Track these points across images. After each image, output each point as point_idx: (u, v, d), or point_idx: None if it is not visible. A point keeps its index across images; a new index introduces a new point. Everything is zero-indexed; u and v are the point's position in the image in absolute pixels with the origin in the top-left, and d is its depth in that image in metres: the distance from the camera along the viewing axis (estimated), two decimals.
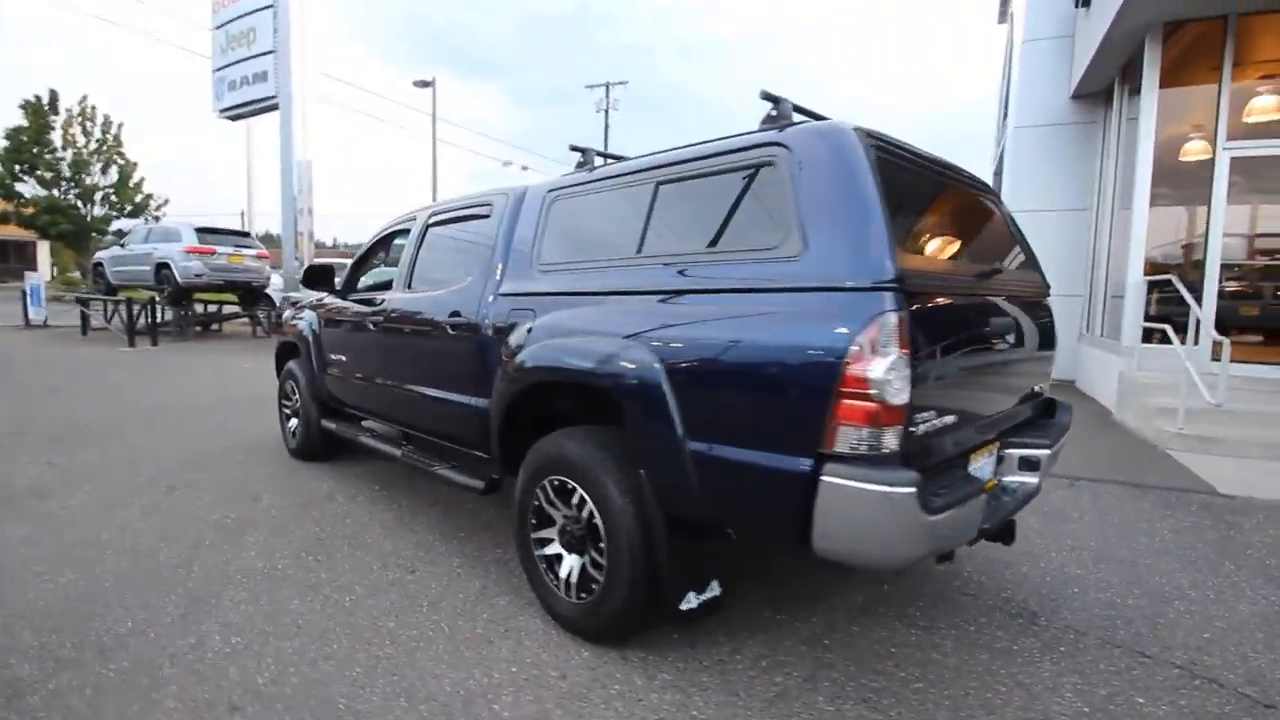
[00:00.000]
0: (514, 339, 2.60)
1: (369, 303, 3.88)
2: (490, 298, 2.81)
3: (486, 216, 3.07)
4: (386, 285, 4.51)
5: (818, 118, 2.12)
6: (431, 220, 3.52)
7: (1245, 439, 4.87)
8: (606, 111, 31.86)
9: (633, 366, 2.02)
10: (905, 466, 1.62)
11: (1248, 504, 3.95)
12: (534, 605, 2.59)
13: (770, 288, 1.81)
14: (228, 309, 15.20)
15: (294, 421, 4.77)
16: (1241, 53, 6.05)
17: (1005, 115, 10.58)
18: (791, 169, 1.86)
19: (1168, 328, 5.72)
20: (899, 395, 1.61)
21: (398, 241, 4.10)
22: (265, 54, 14.59)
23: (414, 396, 3.31)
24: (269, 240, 26.66)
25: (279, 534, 3.34)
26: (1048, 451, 2.34)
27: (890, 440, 1.62)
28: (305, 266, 4.25)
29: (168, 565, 2.96)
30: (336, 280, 4.23)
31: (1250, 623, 2.56)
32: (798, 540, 1.77)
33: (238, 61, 15.17)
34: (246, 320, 14.97)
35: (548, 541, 2.47)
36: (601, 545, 2.20)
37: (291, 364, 4.74)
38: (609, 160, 2.82)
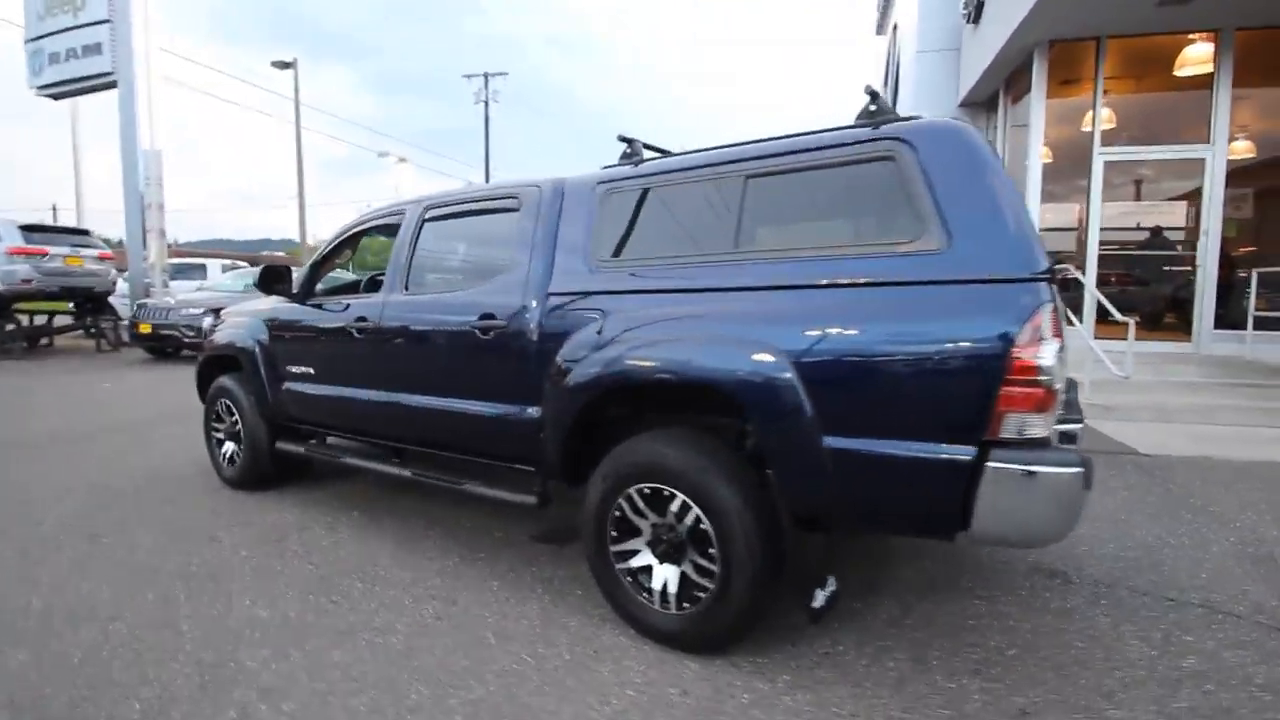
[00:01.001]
0: (579, 341, 2.43)
1: (341, 308, 3.47)
2: (533, 299, 2.60)
3: (513, 210, 2.84)
4: (353, 287, 4.09)
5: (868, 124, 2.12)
6: (429, 215, 3.19)
7: (1140, 405, 5.69)
8: (486, 103, 30.87)
9: (763, 365, 1.95)
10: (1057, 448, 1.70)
11: (1168, 461, 4.61)
12: (609, 622, 2.44)
13: (910, 281, 1.83)
14: (60, 319, 12.94)
15: (230, 446, 4.16)
16: (1111, 69, 7.04)
17: None
18: (921, 164, 1.88)
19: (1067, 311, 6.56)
20: (1059, 380, 1.68)
21: (366, 240, 3.70)
22: (99, 23, 12.55)
23: (425, 409, 3.00)
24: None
25: (266, 577, 2.90)
26: (1080, 425, 2.56)
27: (1048, 424, 1.69)
28: (262, 268, 3.70)
29: (146, 628, 2.46)
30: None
31: (1228, 561, 2.98)
32: (948, 528, 1.81)
33: (62, 31, 12.92)
34: (84, 332, 12.83)
35: (632, 554, 2.34)
36: (712, 551, 2.11)
37: (226, 381, 4.12)
38: (657, 154, 2.71)
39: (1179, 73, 7.67)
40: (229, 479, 4.17)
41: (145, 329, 10.57)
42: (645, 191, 2.48)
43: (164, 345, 10.82)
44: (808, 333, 1.93)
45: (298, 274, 3.75)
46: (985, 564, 2.96)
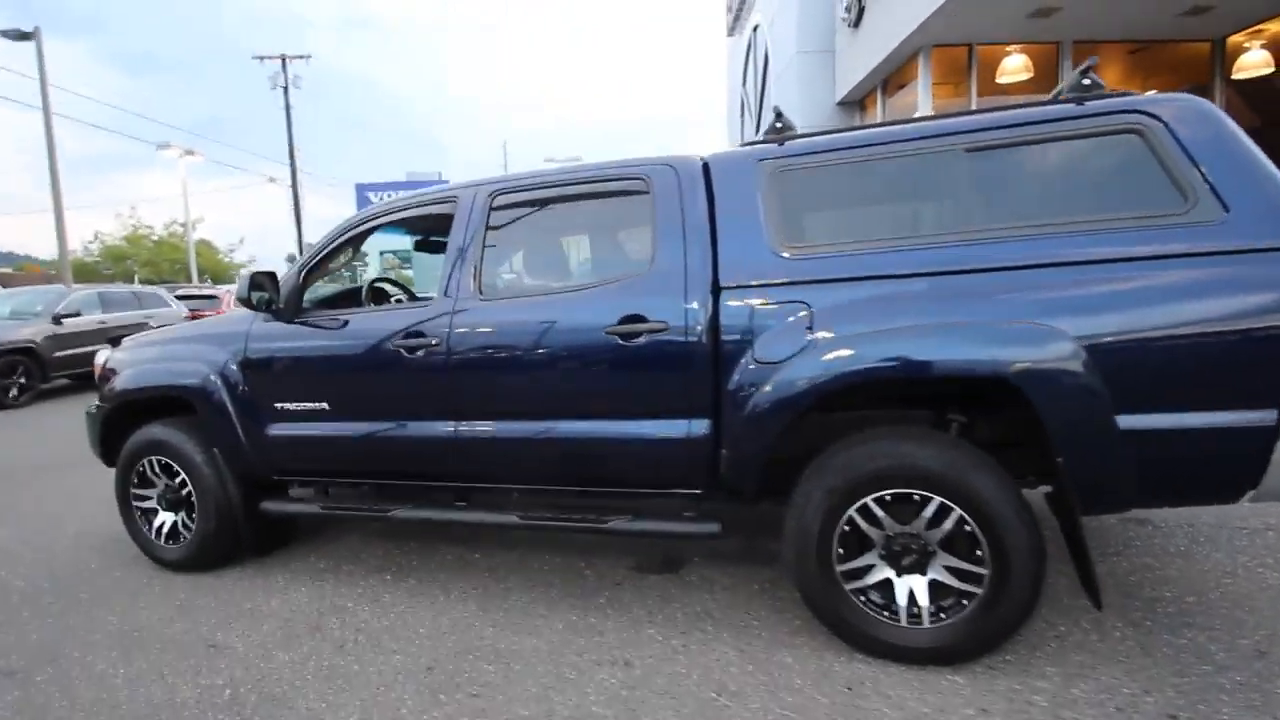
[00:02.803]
0: (777, 339, 2.13)
1: (364, 323, 2.76)
2: (697, 295, 2.23)
3: (640, 193, 2.42)
4: (350, 298, 3.30)
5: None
6: (498, 202, 2.61)
7: None
8: (286, 89, 27.30)
9: (1053, 350, 1.83)
10: None
11: None
12: (829, 649, 2.19)
13: (1194, 253, 1.82)
14: None
15: (166, 518, 3.14)
16: (981, 74, 8.02)
17: (758, 123, 12.13)
18: (1177, 136, 1.88)
19: None
20: None
21: (375, 237, 2.98)
22: None
23: (535, 439, 2.46)
24: None
25: (352, 683, 2.19)
26: None
27: None
28: (249, 274, 2.76)
29: None
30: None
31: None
32: (1239, 490, 1.85)
33: None
34: None
35: (865, 570, 2.11)
36: (980, 553, 1.96)
37: (159, 432, 3.08)
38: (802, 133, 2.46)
39: (1000, 80, 8.97)
40: (172, 560, 3.13)
41: None
42: (832, 168, 2.23)
43: None
44: (1093, 313, 1.85)
45: (284, 284, 2.88)
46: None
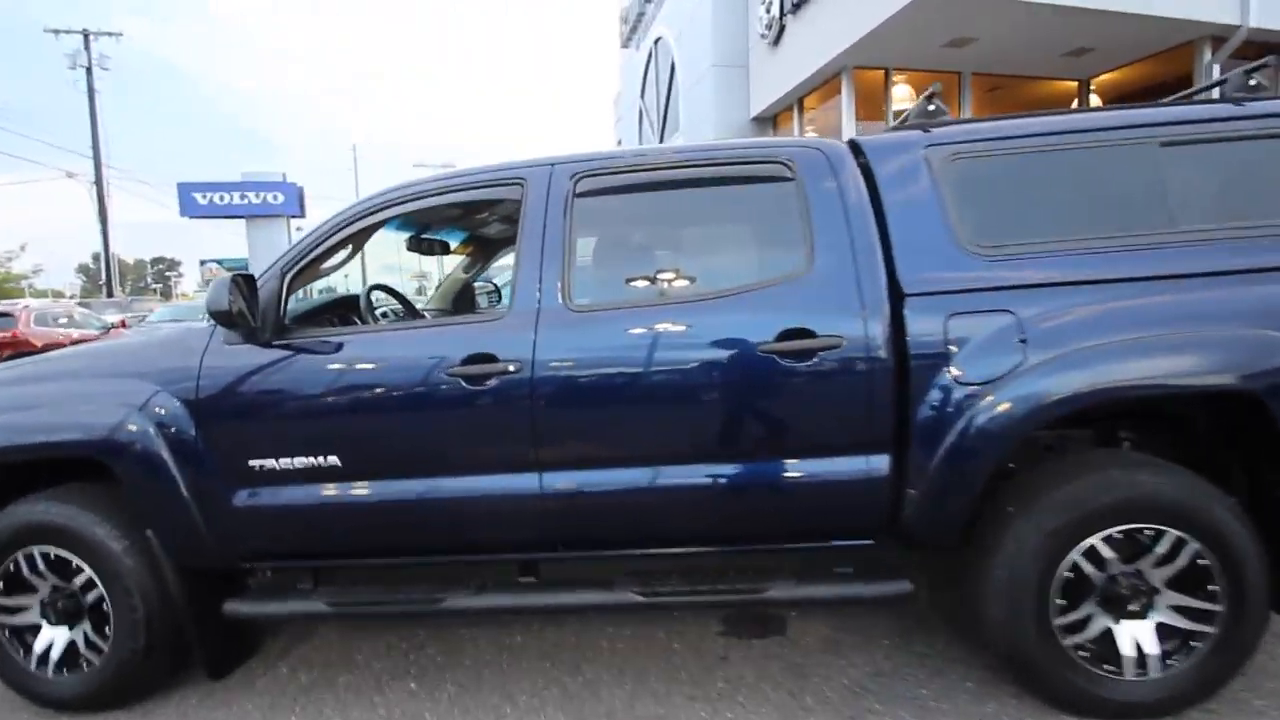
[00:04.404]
0: (982, 354, 1.79)
1: (384, 344, 2.06)
2: (876, 303, 1.84)
3: (781, 179, 1.98)
4: (345, 308, 2.51)
5: None
6: (583, 188, 2.03)
7: None
8: (90, 70, 23.16)
9: None
10: None
11: None
12: (1036, 711, 1.88)
13: None
14: None
15: (56, 638, 2.15)
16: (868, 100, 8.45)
17: (661, 134, 12.04)
18: None
19: None
20: None
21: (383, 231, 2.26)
22: None
23: (650, 489, 1.92)
24: None
25: None
26: None
27: None
28: (228, 278, 1.87)
29: None
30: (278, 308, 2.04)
31: None
32: None
33: None
34: None
35: (1086, 621, 1.83)
36: (1214, 588, 1.76)
37: (43, 510, 2.09)
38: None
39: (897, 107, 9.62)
40: (67, 698, 2.14)
41: None
42: (1015, 157, 1.94)
43: None
44: None
45: (261, 293, 2.05)
46: None
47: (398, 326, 2.32)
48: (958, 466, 1.80)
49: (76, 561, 2.09)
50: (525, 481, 1.96)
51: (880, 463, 1.87)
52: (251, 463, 2.04)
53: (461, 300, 3.50)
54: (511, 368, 1.91)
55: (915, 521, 1.87)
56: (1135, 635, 1.82)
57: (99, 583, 2.09)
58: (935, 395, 1.81)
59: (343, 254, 2.32)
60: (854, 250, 1.88)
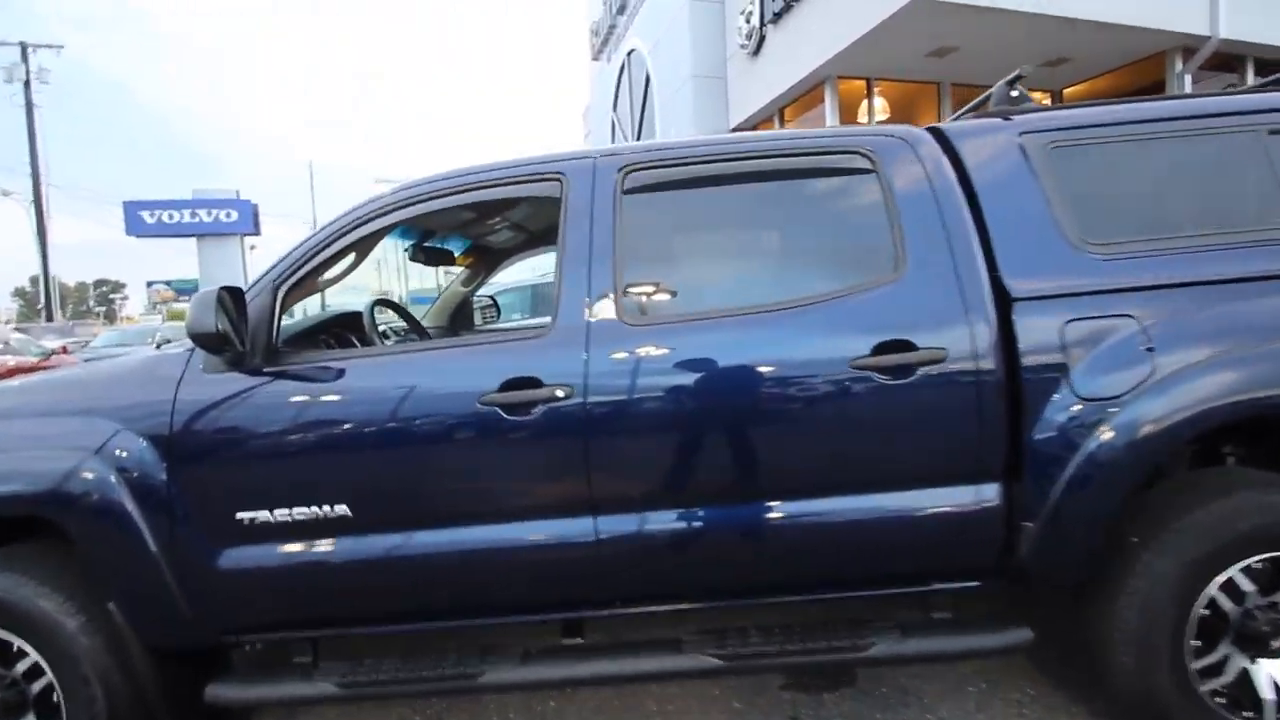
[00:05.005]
0: (1106, 364, 1.57)
1: (408, 367, 1.75)
2: (981, 308, 1.61)
3: (860, 170, 1.74)
4: (341, 326, 2.19)
5: None
6: (634, 181, 1.76)
7: None
8: (28, 84, 22.00)
9: None
10: None
11: None
12: None
13: None
14: None
15: None
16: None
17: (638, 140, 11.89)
18: None
19: None
20: None
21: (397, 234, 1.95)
22: None
23: (724, 531, 1.65)
24: None
25: None
26: None
27: None
28: (212, 294, 1.52)
29: None
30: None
31: None
32: None
33: None
34: None
35: (1223, 663, 1.61)
36: None
37: None
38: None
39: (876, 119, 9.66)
40: None
41: None
42: (1119, 146, 1.74)
43: None
44: None
45: (251, 312, 1.72)
46: None
47: (414, 348, 2.00)
48: (1087, 494, 1.57)
49: (18, 644, 1.70)
50: (577, 527, 1.66)
51: (990, 492, 1.63)
52: (240, 515, 1.69)
53: (460, 317, 3.18)
54: (560, 393, 1.61)
55: (1034, 559, 1.63)
56: (1275, 676, 1.61)
57: (46, 669, 1.70)
58: (1054, 413, 1.59)
59: (345, 263, 1.99)
60: (951, 250, 1.66)
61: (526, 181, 1.83)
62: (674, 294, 1.82)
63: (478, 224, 2.51)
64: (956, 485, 1.64)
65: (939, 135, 1.81)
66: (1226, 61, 7.48)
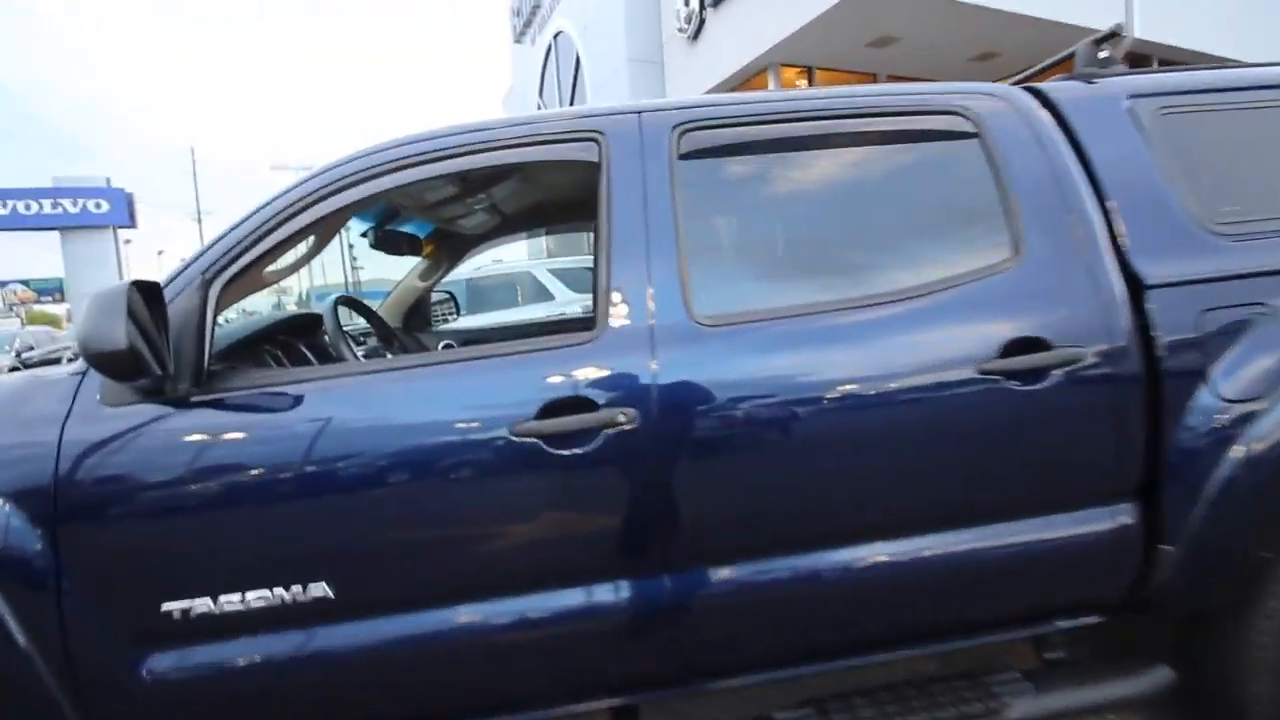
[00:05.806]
0: (1257, 363, 1.36)
1: (399, 389, 1.31)
2: (1109, 305, 1.37)
3: (960, 134, 1.45)
4: (299, 329, 1.69)
5: None
6: (690, 144, 1.39)
7: None
8: None
9: None
10: None
11: None
12: None
13: None
14: None
15: None
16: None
17: None
18: None
19: None
20: None
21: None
22: None
23: (833, 578, 1.32)
24: None
25: None
26: None
27: None
28: (119, 293, 0.99)
29: None
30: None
31: None
32: None
33: None
34: None
35: None
36: None
37: None
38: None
39: None
40: None
41: None
42: (1235, 114, 1.54)
43: None
44: None
45: (174, 320, 1.22)
46: None
47: (408, 363, 1.53)
48: (1239, 508, 1.35)
49: None
50: (645, 588, 1.28)
51: (1126, 513, 1.39)
52: (167, 606, 1.19)
53: (415, 317, 2.69)
54: (622, 418, 1.22)
55: (1175, 587, 1.40)
56: None
57: None
58: (1197, 418, 1.36)
59: (302, 248, 1.50)
60: (1077, 229, 1.40)
61: (553, 142, 1.41)
62: (748, 284, 1.46)
63: (472, 198, 2.04)
64: (1089, 507, 1.39)
65: (1039, 96, 1.55)
66: (1136, 62, 7.94)
